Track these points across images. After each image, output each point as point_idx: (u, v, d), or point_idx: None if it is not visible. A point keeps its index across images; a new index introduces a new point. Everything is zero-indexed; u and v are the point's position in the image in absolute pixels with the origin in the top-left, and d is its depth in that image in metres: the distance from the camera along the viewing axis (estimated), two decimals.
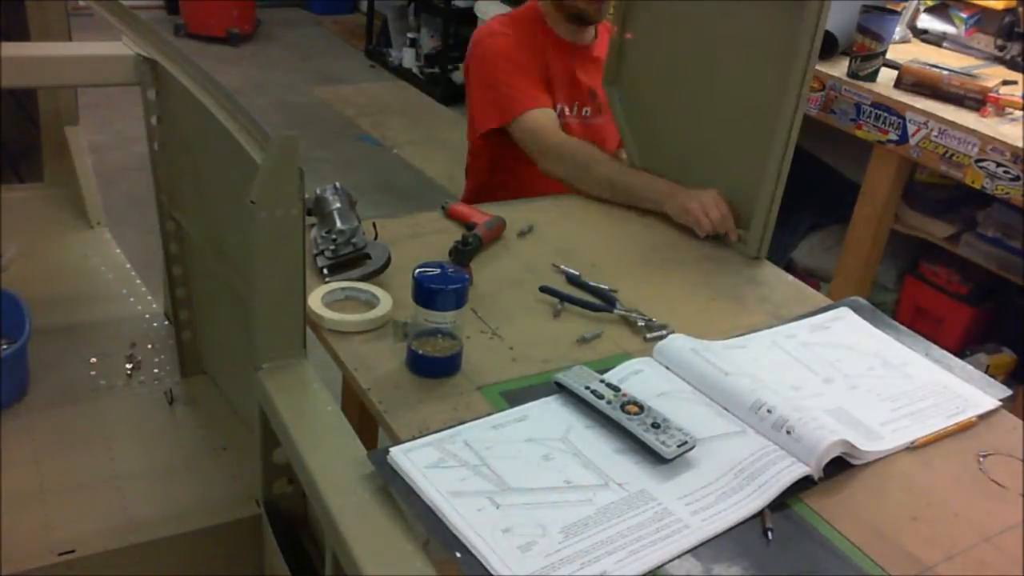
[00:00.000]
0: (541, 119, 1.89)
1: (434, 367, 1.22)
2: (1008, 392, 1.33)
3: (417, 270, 1.18)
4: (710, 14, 1.66)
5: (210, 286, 1.57)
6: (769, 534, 1.01)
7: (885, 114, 2.29)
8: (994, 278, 2.38)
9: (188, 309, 1.65)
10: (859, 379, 1.31)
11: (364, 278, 1.40)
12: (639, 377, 1.24)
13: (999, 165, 2.09)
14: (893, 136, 2.28)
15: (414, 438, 1.08)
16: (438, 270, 1.19)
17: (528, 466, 1.05)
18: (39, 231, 2.08)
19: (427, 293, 1.17)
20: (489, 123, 1.94)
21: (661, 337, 1.34)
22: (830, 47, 2.47)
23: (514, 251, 1.58)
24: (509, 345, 1.31)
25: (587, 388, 1.16)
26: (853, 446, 1.12)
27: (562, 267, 1.52)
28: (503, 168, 2.04)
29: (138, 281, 1.95)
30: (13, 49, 1.51)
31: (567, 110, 2.02)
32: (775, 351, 1.36)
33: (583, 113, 2.05)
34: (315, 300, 1.32)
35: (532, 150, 1.89)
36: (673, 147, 1.80)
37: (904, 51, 2.62)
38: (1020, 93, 2.31)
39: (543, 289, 1.44)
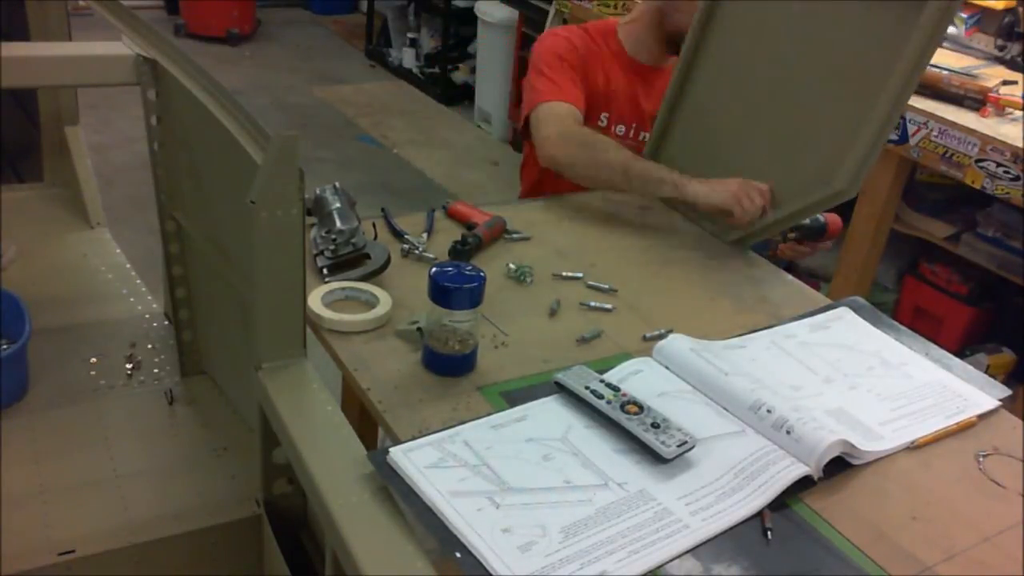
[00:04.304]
0: (556, 108, 1.79)
1: (452, 365, 1.22)
2: (1008, 392, 1.33)
3: (434, 268, 1.19)
4: (801, 15, 1.57)
5: (210, 286, 1.57)
6: (769, 534, 1.01)
7: None
8: (994, 278, 2.38)
9: (188, 309, 1.65)
10: (859, 379, 1.31)
11: (364, 278, 1.40)
12: (639, 377, 1.24)
13: (999, 165, 2.09)
14: (893, 136, 2.28)
15: (414, 438, 1.08)
16: (454, 269, 1.20)
17: (528, 466, 1.05)
18: (39, 231, 2.08)
19: (444, 292, 1.17)
20: (520, 116, 1.90)
21: (661, 337, 1.34)
22: None
23: (514, 251, 1.58)
24: (509, 345, 1.31)
25: (587, 388, 1.15)
26: (853, 446, 1.12)
27: None
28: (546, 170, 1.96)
29: (138, 281, 1.95)
30: (13, 49, 1.51)
31: (619, 128, 1.97)
32: (775, 351, 1.36)
33: (640, 137, 1.98)
34: (315, 300, 1.32)
35: (538, 137, 1.78)
36: (738, 156, 1.70)
37: None
38: (1020, 93, 2.31)
39: None
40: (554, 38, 1.95)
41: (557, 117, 1.78)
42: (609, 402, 1.13)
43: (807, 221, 1.74)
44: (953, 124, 2.17)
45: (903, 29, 1.40)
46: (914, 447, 1.19)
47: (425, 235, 1.57)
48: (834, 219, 1.80)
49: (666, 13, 1.90)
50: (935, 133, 2.20)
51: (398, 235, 1.55)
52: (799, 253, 1.83)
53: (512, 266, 1.50)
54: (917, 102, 2.25)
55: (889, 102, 1.44)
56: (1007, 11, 2.65)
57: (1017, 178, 2.06)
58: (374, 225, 1.55)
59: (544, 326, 1.38)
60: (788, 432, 1.12)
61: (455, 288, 1.17)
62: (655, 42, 1.95)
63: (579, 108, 1.82)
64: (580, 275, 1.51)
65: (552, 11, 3.79)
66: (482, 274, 1.20)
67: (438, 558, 0.92)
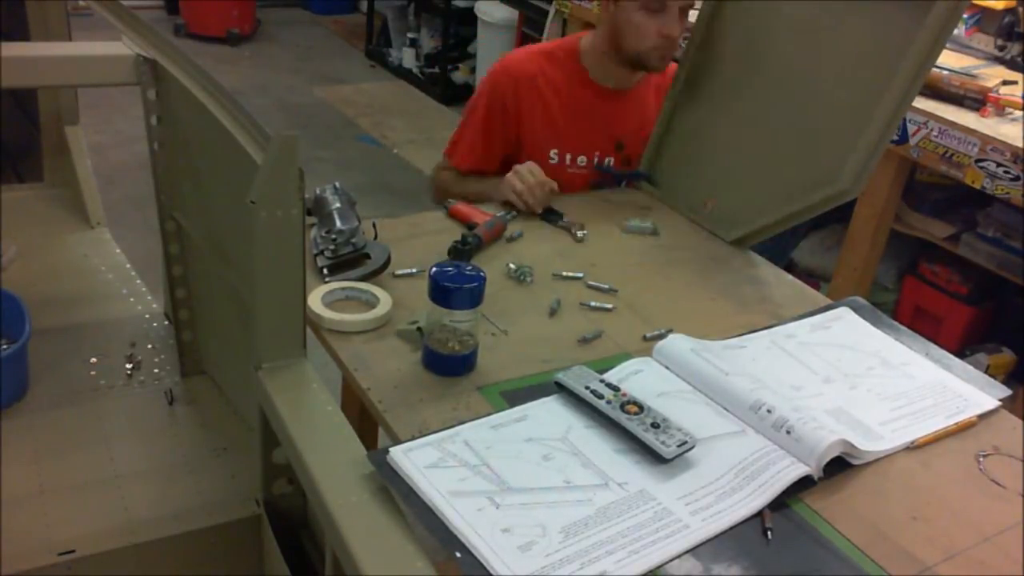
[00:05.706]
0: (442, 166, 2.00)
1: (452, 365, 1.22)
2: (1008, 392, 1.33)
3: (434, 268, 1.19)
4: (806, 14, 1.57)
5: (210, 286, 1.57)
6: (769, 534, 1.01)
7: None
8: (994, 278, 2.38)
9: (188, 309, 1.65)
10: (859, 379, 1.31)
11: (364, 278, 1.40)
12: (639, 377, 1.24)
13: (999, 165, 2.09)
14: (893, 136, 2.28)
15: (414, 438, 1.08)
16: (454, 269, 1.20)
17: (528, 466, 1.05)
18: (39, 231, 2.07)
19: (444, 292, 1.17)
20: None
21: (661, 337, 1.34)
22: None
23: (514, 251, 1.58)
24: (509, 345, 1.31)
25: (587, 388, 1.15)
26: (853, 446, 1.12)
27: None
28: None
29: (138, 281, 1.95)
30: (13, 49, 1.51)
31: (581, 160, 1.92)
32: (775, 351, 1.36)
33: (605, 163, 1.93)
34: (315, 300, 1.32)
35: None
36: (742, 155, 1.71)
37: None
38: (1020, 93, 2.31)
39: None
40: (495, 76, 1.92)
41: (437, 174, 2.01)
42: (609, 402, 1.13)
43: None
44: (953, 124, 2.17)
45: (909, 29, 1.40)
46: (914, 447, 1.19)
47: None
48: None
49: (620, 36, 1.81)
50: (935, 133, 2.20)
51: None
52: None
53: (512, 266, 1.50)
54: (917, 102, 2.24)
55: (894, 102, 1.44)
56: (1007, 11, 2.65)
57: (1017, 178, 2.06)
58: (374, 225, 1.55)
59: (544, 326, 1.38)
60: (788, 432, 1.12)
61: (455, 288, 1.17)
62: (616, 66, 1.87)
63: (464, 165, 1.95)
64: (580, 275, 1.51)
65: (552, 11, 3.78)
66: (482, 274, 1.20)
67: (438, 558, 0.92)
